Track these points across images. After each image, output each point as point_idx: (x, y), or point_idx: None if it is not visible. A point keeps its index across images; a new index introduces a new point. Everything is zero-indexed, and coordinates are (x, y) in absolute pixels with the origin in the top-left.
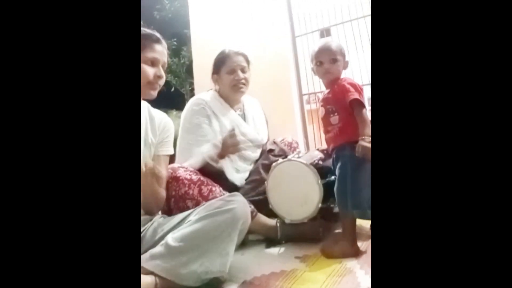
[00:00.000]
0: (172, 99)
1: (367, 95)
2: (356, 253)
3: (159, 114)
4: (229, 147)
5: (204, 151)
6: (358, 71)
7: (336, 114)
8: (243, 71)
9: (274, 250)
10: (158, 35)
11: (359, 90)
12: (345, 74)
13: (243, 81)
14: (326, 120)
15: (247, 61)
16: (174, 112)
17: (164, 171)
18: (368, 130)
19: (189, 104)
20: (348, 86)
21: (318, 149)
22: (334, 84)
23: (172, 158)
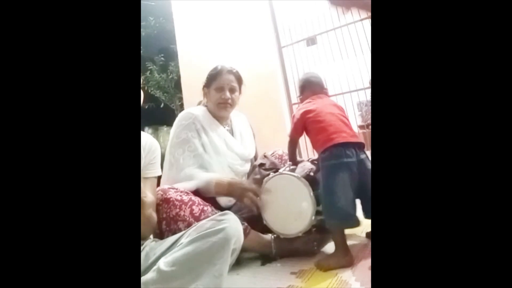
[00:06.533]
0: (162, 115)
1: (366, 98)
2: (350, 263)
3: (143, 136)
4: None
5: (211, 177)
6: (344, 77)
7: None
8: (231, 91)
9: (270, 267)
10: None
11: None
12: (332, 80)
13: (229, 101)
14: None
15: (239, 81)
16: (165, 128)
17: (152, 193)
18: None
19: (178, 119)
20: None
21: (309, 160)
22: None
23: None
